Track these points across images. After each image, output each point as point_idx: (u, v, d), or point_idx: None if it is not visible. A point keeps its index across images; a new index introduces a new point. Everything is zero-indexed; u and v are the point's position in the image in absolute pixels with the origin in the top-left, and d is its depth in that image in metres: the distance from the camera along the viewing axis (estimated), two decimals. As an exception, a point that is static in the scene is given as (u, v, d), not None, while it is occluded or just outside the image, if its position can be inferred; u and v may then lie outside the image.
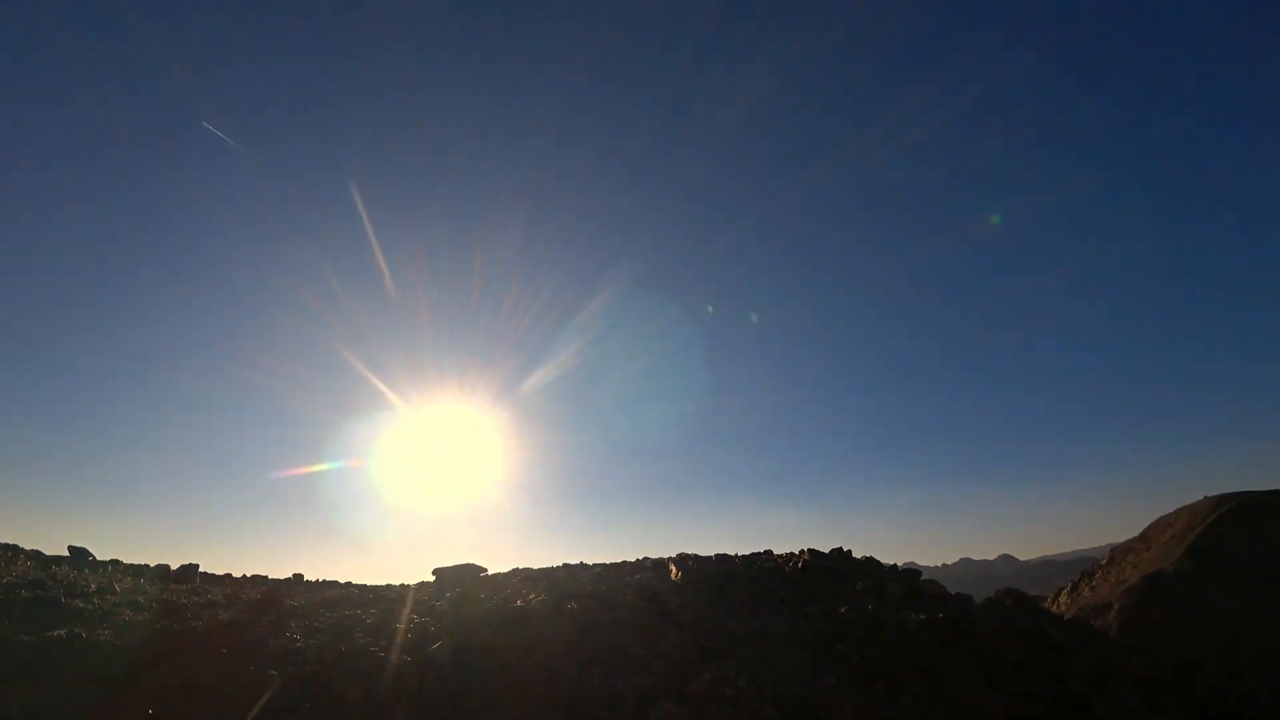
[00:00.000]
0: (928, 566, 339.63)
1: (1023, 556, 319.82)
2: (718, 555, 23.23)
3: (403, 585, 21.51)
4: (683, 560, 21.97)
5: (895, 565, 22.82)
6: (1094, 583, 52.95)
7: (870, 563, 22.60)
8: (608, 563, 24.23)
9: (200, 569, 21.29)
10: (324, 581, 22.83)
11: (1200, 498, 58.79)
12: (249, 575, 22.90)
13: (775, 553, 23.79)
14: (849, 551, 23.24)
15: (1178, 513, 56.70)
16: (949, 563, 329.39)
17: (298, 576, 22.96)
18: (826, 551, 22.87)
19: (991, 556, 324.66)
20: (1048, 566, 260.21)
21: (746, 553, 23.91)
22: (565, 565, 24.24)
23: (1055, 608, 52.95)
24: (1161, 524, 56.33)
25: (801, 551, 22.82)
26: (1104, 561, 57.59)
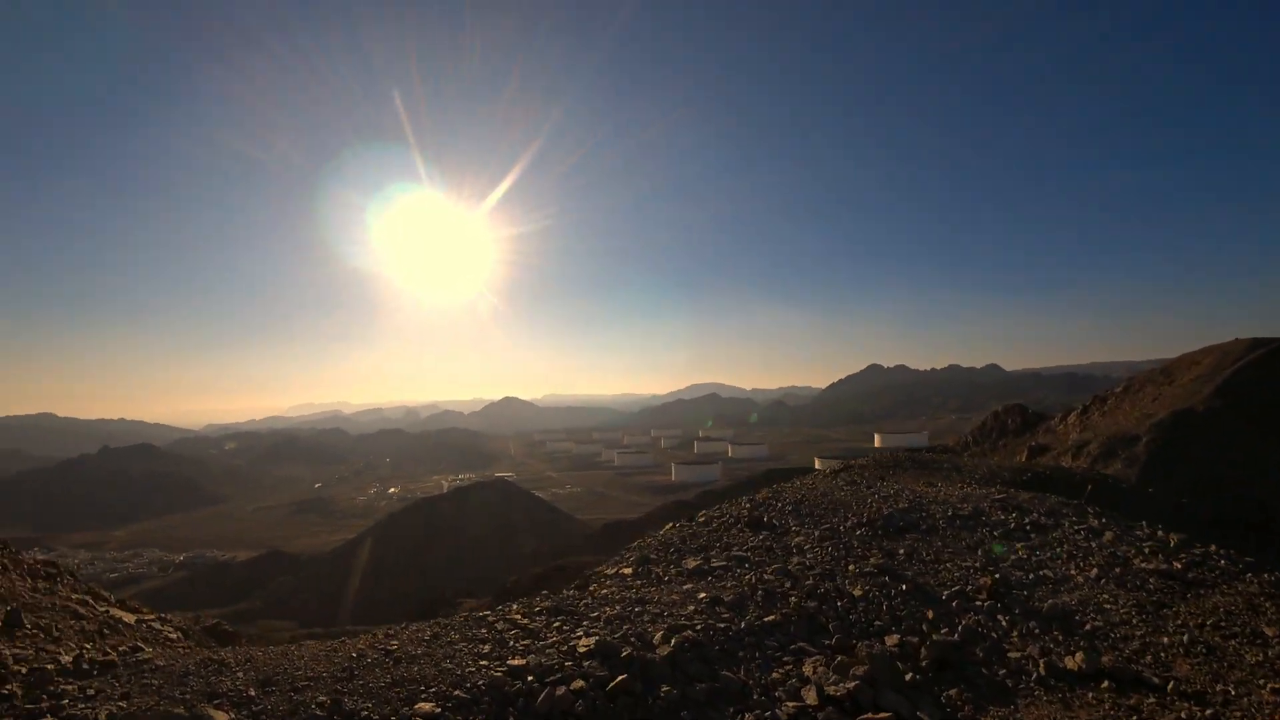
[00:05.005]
0: (918, 370, 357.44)
1: (1009, 367, 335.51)
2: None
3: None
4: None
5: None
6: (1106, 409, 55.52)
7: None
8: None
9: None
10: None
11: (1231, 339, 59.41)
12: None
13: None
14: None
15: (1206, 350, 57.39)
16: (938, 367, 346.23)
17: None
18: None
19: (979, 365, 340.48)
20: (1032, 379, 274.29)
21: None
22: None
23: (1063, 428, 56.22)
24: (1187, 360, 57.33)
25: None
26: (1119, 390, 59.83)
